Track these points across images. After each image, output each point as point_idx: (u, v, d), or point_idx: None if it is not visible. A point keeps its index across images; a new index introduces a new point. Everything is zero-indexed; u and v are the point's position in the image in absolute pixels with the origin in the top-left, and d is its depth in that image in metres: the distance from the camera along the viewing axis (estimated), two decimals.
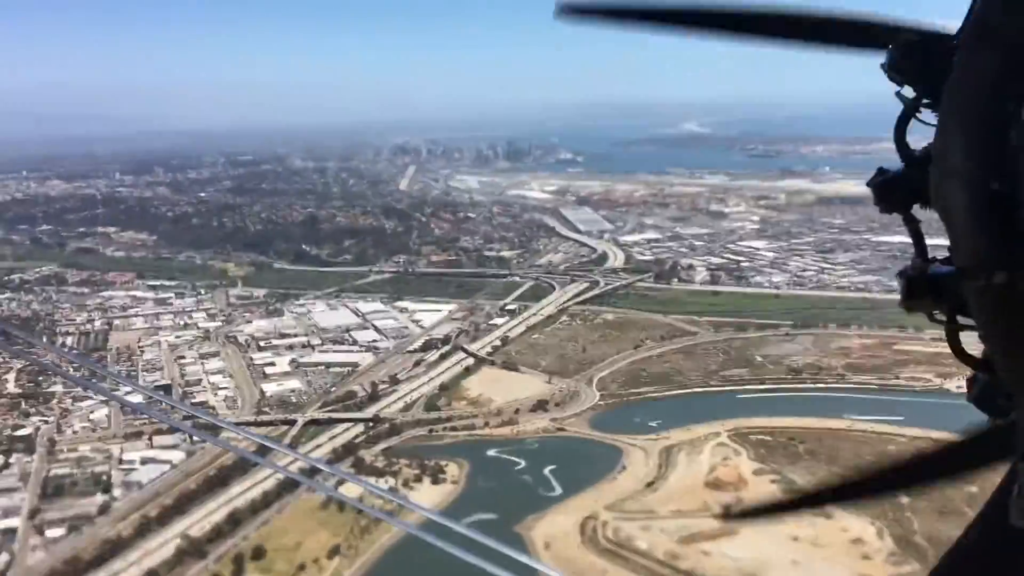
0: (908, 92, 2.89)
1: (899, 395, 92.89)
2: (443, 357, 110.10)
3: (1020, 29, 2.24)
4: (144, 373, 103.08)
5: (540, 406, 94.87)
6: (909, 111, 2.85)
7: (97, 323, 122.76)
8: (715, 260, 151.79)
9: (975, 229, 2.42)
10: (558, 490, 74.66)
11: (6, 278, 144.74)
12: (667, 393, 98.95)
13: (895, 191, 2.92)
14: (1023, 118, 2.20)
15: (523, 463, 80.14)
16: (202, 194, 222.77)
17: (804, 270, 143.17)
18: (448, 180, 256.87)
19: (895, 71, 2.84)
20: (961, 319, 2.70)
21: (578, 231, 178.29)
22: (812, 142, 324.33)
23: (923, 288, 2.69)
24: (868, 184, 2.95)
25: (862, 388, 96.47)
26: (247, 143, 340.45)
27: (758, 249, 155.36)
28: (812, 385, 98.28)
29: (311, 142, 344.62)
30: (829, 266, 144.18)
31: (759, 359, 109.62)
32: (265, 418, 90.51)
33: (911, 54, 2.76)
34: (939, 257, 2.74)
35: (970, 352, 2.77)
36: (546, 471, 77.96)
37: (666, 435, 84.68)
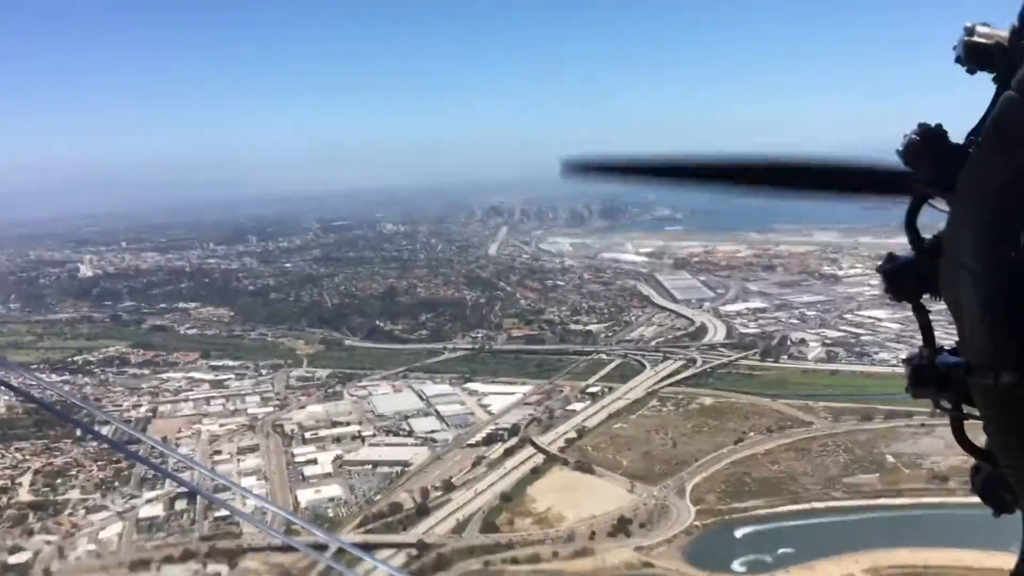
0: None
1: None
2: (508, 453, 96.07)
3: None
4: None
5: (621, 527, 79.00)
6: (921, 197, 2.74)
7: (143, 408, 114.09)
8: (831, 333, 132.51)
9: (985, 327, 2.44)
10: None
11: (71, 359, 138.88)
12: (779, 509, 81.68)
13: (905, 279, 2.81)
14: None
15: None
16: (288, 264, 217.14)
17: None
18: (539, 243, 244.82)
19: (909, 158, 2.71)
20: (966, 408, 2.71)
21: (674, 300, 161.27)
22: None
23: (929, 378, 2.69)
24: (877, 270, 2.87)
25: None
26: (348, 206, 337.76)
27: (881, 320, 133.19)
28: (964, 500, 78.31)
29: (410, 205, 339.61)
30: None
31: (891, 459, 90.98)
32: (294, 540, 77.55)
33: (927, 143, 2.64)
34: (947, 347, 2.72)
35: (974, 443, 2.76)
36: None
37: None
